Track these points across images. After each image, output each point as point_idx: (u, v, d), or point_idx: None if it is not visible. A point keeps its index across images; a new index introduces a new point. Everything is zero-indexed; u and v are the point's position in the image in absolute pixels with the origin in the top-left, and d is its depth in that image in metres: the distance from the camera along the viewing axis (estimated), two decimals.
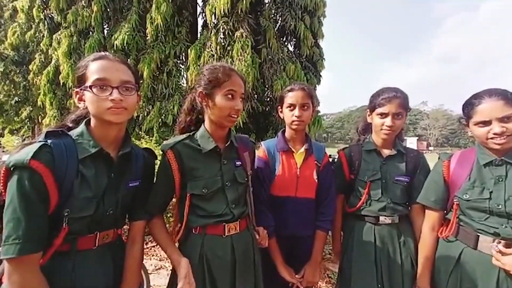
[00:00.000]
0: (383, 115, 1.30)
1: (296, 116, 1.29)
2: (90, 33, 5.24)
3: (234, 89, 1.02)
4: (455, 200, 1.14)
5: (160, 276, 2.66)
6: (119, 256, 0.93)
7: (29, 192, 0.69)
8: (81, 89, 0.83)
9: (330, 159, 1.53)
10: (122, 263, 0.92)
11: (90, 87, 0.79)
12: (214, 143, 1.04)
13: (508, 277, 0.98)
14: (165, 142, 1.08)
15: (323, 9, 5.25)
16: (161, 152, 1.06)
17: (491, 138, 1.03)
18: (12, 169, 0.70)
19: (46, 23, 5.82)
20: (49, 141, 0.76)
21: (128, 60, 5.07)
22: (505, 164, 1.06)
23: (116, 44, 4.62)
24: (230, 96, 1.01)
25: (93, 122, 0.86)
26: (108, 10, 5.21)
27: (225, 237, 1.02)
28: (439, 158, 1.26)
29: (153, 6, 4.40)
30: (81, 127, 0.85)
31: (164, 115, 4.75)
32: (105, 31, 5.33)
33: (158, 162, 1.09)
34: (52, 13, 5.56)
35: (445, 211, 1.21)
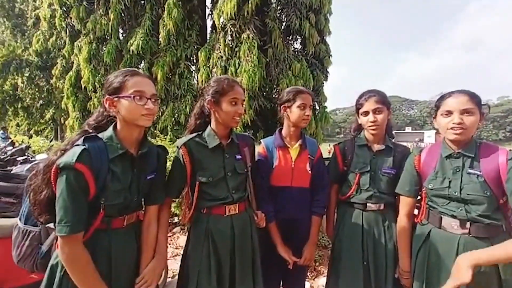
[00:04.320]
0: (366, 113, 1.47)
1: (306, 115, 1.49)
2: (107, 39, 5.60)
3: (237, 96, 1.25)
4: (423, 189, 1.30)
5: (177, 261, 2.92)
6: (140, 233, 1.16)
7: (75, 187, 0.92)
8: (117, 97, 1.03)
9: None
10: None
11: (132, 96, 1.00)
12: (219, 140, 1.28)
13: (465, 248, 1.16)
14: (179, 139, 1.33)
15: (329, 6, 5.32)
16: (175, 148, 1.29)
17: (451, 128, 1.19)
18: (61, 169, 0.92)
19: (67, 31, 6.26)
20: (87, 144, 0.97)
21: (143, 63, 5.40)
22: (462, 156, 1.22)
23: (131, 50, 4.93)
24: (234, 103, 1.25)
25: (120, 125, 1.07)
26: (123, 17, 5.55)
27: (226, 216, 1.26)
28: (412, 152, 1.42)
29: (165, 12, 4.67)
30: (110, 131, 1.06)
31: (177, 114, 5.05)
32: (121, 37, 5.68)
33: (171, 157, 1.32)
34: (72, 21, 5.97)
35: (419, 199, 1.36)
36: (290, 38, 5.05)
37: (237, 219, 1.28)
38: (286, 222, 1.51)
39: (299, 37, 5.08)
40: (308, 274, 2.60)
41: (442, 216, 1.24)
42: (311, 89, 5.09)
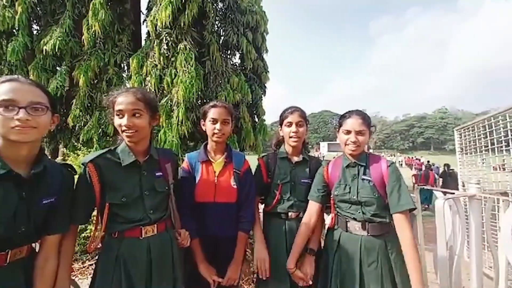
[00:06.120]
0: (289, 124, 1.60)
1: (218, 130, 1.47)
2: (13, 35, 4.73)
3: (121, 108, 1.13)
4: (332, 196, 1.47)
5: None
6: (32, 270, 0.96)
7: None
8: None
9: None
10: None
11: None
12: (134, 157, 1.17)
13: (365, 247, 1.35)
14: (86, 156, 1.17)
15: (265, 26, 5.67)
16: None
17: (347, 145, 1.42)
18: None
19: None
20: None
21: (62, 66, 4.73)
22: (357, 165, 1.45)
23: (45, 49, 4.27)
24: (120, 115, 1.15)
25: (0, 142, 0.88)
26: (38, 10, 4.80)
27: (142, 239, 1.14)
28: (321, 164, 1.60)
29: (90, 12, 4.22)
30: None
31: (104, 124, 4.53)
32: (34, 34, 4.88)
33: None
34: None
35: (326, 206, 1.53)
36: (228, 53, 5.15)
37: (154, 242, 1.17)
38: (210, 239, 1.46)
39: (237, 52, 5.23)
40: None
41: (347, 220, 1.41)
42: (250, 102, 5.26)
